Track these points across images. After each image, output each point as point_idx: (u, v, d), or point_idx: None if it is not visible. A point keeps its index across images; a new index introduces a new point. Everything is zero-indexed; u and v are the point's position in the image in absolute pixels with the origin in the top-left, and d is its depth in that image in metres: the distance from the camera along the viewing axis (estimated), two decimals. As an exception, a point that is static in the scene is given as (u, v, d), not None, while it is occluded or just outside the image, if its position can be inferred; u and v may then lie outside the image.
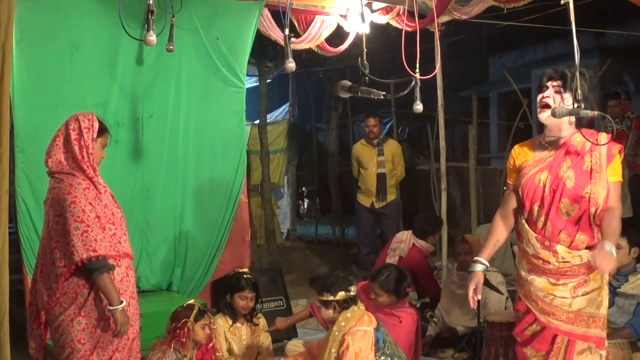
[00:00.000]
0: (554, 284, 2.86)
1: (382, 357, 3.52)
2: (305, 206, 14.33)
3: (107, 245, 2.96)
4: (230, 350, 4.15)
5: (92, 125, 3.10)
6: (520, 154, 3.04)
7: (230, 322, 4.16)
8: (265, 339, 4.31)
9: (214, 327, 4.01)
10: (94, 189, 3.04)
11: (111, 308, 2.95)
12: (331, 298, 3.52)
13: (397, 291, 4.14)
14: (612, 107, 6.85)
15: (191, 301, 3.86)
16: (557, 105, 2.82)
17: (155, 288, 4.96)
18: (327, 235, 10.84)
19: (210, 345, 3.87)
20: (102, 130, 3.17)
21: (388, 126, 10.56)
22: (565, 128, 2.87)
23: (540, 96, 2.89)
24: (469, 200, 8.02)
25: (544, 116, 2.86)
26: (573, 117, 2.82)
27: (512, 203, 3.05)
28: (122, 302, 2.97)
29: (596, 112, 2.76)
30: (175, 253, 5.01)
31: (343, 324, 3.50)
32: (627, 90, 9.90)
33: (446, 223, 6.03)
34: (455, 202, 8.59)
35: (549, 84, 2.89)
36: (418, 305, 5.64)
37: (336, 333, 3.49)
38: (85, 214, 2.93)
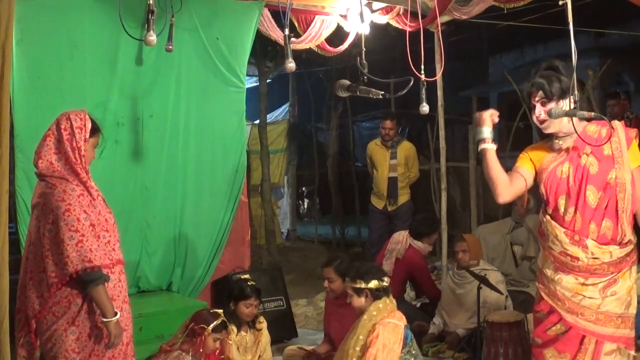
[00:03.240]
0: (583, 284, 2.81)
1: (407, 356, 3.53)
2: (305, 206, 14.34)
3: (102, 254, 2.88)
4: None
5: (85, 125, 2.99)
6: (536, 153, 2.98)
7: (236, 330, 4.13)
8: (266, 341, 4.30)
9: (230, 342, 3.99)
10: (88, 195, 2.93)
11: (105, 320, 2.87)
12: (364, 285, 3.55)
13: None
14: (612, 106, 6.84)
15: (220, 311, 3.80)
16: (553, 107, 2.78)
17: (155, 288, 4.96)
18: (327, 235, 10.86)
19: (222, 357, 3.85)
20: (94, 130, 3.05)
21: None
22: (572, 126, 2.81)
23: (534, 117, 2.87)
24: (469, 200, 8.03)
25: (547, 127, 2.84)
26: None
27: (515, 180, 2.92)
28: (116, 313, 2.90)
29: (593, 114, 2.74)
30: (175, 253, 5.01)
31: (375, 313, 3.52)
32: (627, 90, 9.92)
33: (446, 223, 6.03)
34: (455, 202, 8.60)
35: (533, 101, 2.86)
36: (418, 305, 5.64)
37: (367, 321, 3.51)
38: (80, 223, 2.83)
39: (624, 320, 2.81)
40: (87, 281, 2.83)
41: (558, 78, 2.79)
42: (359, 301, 3.58)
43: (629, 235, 2.82)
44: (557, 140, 2.91)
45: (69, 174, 2.93)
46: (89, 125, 3.01)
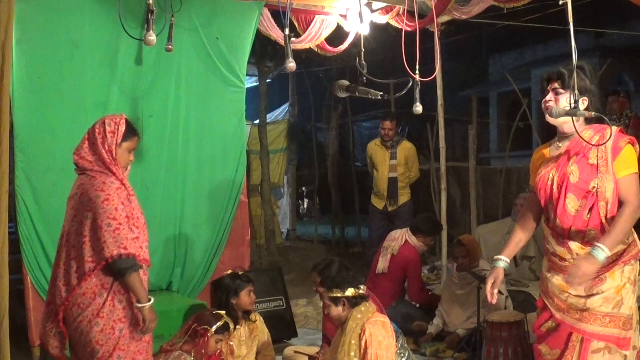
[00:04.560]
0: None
1: (402, 350, 3.51)
2: (305, 206, 14.36)
3: (135, 245, 2.98)
4: (231, 352, 4.14)
5: (118, 130, 3.06)
6: (539, 157, 3.06)
7: (233, 326, 4.14)
8: (264, 336, 4.31)
9: (231, 343, 3.99)
10: (125, 189, 3.04)
11: (140, 305, 2.97)
12: (340, 294, 3.49)
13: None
14: (611, 103, 6.88)
15: (223, 312, 3.82)
16: (555, 106, 2.83)
17: (155, 288, 4.94)
18: (327, 235, 10.87)
19: (218, 351, 3.86)
20: (130, 134, 3.12)
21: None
22: (571, 126, 2.82)
23: (543, 101, 2.92)
24: (469, 200, 8.02)
25: (547, 118, 2.89)
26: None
27: (534, 205, 3.08)
28: (150, 299, 3.00)
29: (593, 113, 2.76)
30: (175, 253, 5.00)
31: (359, 316, 3.46)
32: (627, 90, 9.92)
33: (446, 223, 6.02)
34: (455, 202, 8.60)
35: (549, 87, 2.90)
36: (417, 305, 5.62)
37: (354, 326, 3.45)
38: (118, 212, 2.94)
39: (613, 320, 2.81)
40: (122, 267, 2.91)
41: (580, 76, 2.80)
42: (337, 310, 3.51)
43: None
44: (557, 143, 2.96)
45: (107, 170, 3.03)
46: (122, 129, 3.08)
